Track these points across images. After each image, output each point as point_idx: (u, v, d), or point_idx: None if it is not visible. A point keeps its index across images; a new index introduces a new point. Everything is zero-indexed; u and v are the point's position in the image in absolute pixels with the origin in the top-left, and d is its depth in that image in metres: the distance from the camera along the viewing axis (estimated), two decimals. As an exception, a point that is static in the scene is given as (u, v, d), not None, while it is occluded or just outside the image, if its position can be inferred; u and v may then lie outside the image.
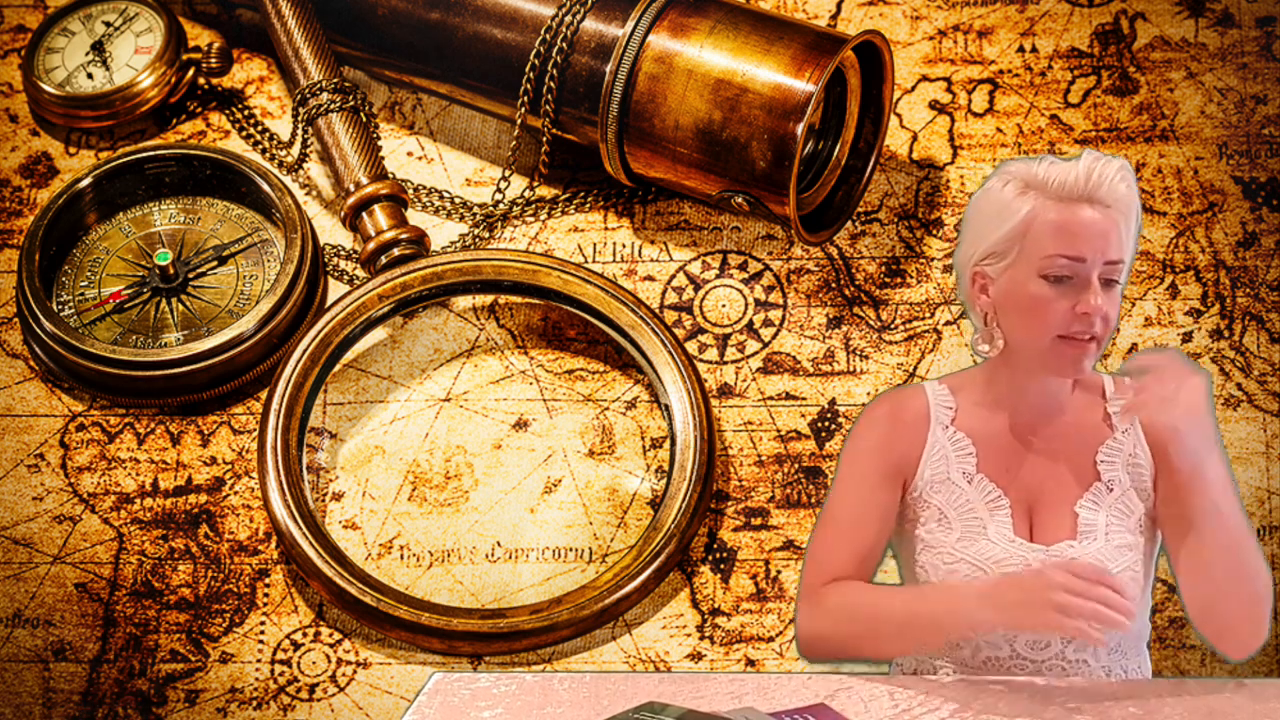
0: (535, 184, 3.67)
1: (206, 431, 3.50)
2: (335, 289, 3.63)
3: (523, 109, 3.59)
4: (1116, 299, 2.66)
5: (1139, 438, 2.73)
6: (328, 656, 3.31)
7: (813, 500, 3.38)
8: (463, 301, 3.59)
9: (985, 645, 2.69)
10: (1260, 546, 2.67)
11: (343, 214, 3.59)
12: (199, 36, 3.90)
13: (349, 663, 3.30)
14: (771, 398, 3.48)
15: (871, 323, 3.53)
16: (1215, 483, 2.65)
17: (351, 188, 3.57)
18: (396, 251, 3.53)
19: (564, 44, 3.55)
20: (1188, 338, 3.48)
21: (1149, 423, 2.70)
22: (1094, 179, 2.64)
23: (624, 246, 3.63)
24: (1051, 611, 2.54)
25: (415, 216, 3.67)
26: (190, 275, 3.59)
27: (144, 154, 3.65)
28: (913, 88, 3.75)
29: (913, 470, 2.76)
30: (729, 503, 3.39)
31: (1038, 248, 2.65)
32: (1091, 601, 2.53)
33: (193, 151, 3.65)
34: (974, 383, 2.79)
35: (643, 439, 3.45)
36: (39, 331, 3.50)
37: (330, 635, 3.32)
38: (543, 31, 3.56)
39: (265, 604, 3.35)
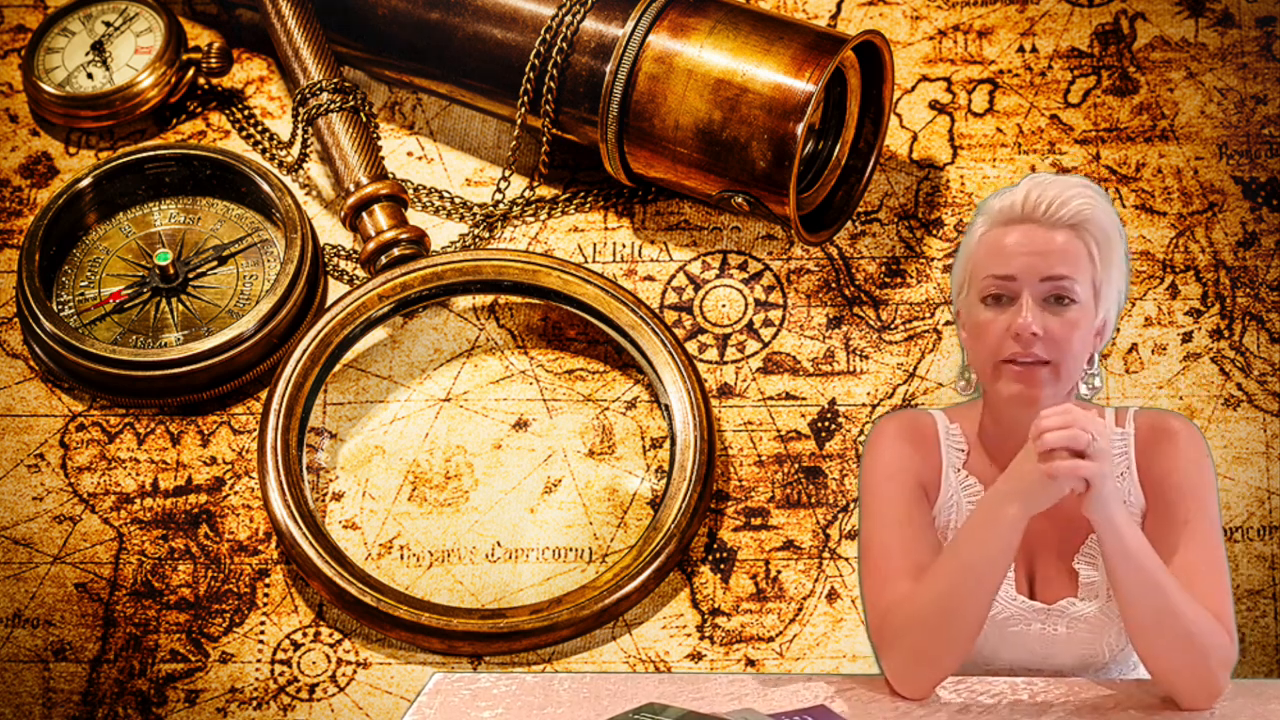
0: (535, 184, 3.67)
1: (206, 431, 3.50)
2: (335, 289, 3.63)
3: (523, 109, 3.59)
4: (1074, 320, 2.57)
5: (1134, 480, 2.65)
6: (328, 656, 3.31)
7: (813, 500, 3.38)
8: (463, 301, 3.59)
9: (984, 664, 2.66)
10: (1233, 611, 2.56)
11: (343, 214, 3.59)
12: (199, 36, 3.90)
13: (349, 663, 3.30)
14: (771, 398, 3.47)
15: (871, 323, 3.53)
16: (1197, 538, 2.55)
17: (351, 188, 3.57)
18: (396, 251, 3.53)
19: (564, 44, 3.55)
20: (1188, 338, 3.48)
21: (1145, 463, 2.60)
22: (1031, 199, 2.58)
23: (624, 246, 3.63)
24: (1046, 476, 2.44)
25: (415, 216, 3.67)
26: (190, 275, 3.59)
27: (144, 154, 3.65)
28: (913, 88, 3.75)
29: (934, 495, 2.68)
30: (729, 503, 3.39)
31: (979, 272, 2.61)
32: (1066, 453, 2.44)
33: (193, 151, 3.65)
34: (970, 418, 2.72)
35: (643, 439, 3.45)
36: (39, 331, 3.50)
37: (330, 635, 3.32)
38: (543, 31, 3.56)
39: (265, 604, 3.35)
